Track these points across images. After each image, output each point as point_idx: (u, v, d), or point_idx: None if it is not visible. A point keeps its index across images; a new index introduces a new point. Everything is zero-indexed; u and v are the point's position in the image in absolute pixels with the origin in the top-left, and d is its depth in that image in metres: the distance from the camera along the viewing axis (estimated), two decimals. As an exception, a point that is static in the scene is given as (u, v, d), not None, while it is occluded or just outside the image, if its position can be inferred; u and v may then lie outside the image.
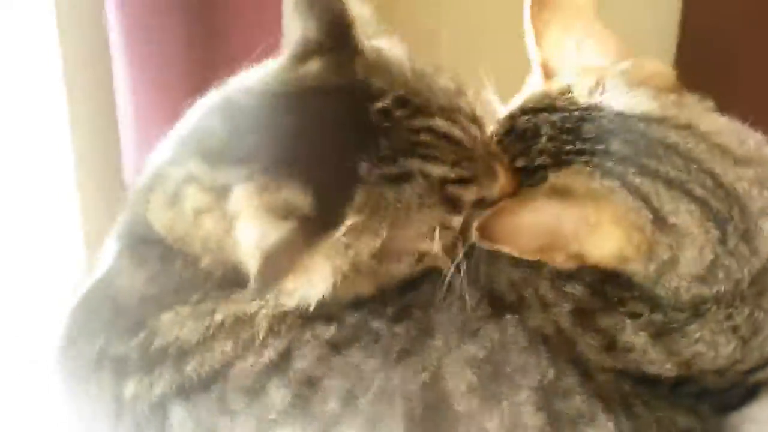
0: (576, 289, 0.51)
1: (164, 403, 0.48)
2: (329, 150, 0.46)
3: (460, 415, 0.47)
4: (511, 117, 0.54)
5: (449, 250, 0.48)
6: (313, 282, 0.44)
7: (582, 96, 0.51)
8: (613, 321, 0.51)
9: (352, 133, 0.46)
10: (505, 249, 0.47)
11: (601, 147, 0.48)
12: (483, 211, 0.47)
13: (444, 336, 0.49)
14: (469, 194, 0.48)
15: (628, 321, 0.51)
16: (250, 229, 0.43)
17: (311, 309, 0.46)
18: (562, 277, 0.51)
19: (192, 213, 0.47)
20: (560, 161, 0.49)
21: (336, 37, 0.48)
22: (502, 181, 0.50)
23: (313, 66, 0.48)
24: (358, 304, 0.50)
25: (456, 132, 0.47)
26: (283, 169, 0.44)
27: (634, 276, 0.50)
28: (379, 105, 0.46)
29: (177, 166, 0.49)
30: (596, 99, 0.50)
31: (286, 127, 0.46)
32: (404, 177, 0.45)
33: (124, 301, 0.51)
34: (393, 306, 0.50)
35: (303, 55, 0.48)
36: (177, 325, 0.48)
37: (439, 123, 0.47)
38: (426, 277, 0.51)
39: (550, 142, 0.50)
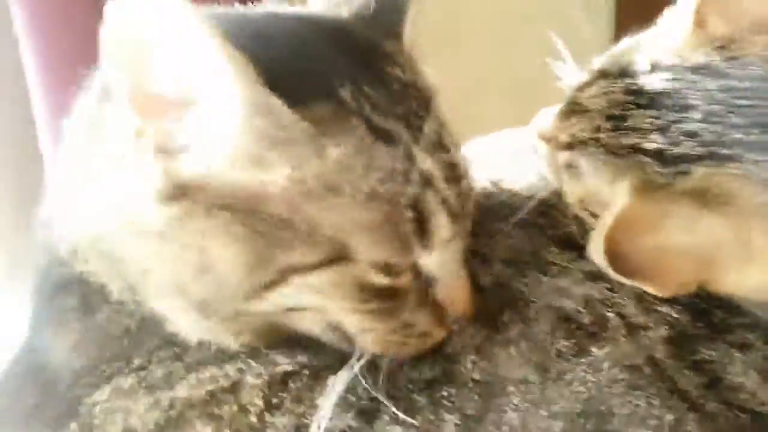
0: (673, 311, 0.40)
1: None
2: (304, 58, 0.35)
3: None
4: (627, 73, 0.38)
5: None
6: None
7: (756, 58, 0.36)
8: (717, 353, 0.41)
9: (343, 57, 0.37)
10: (647, 287, 0.33)
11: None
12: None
13: (519, 387, 0.37)
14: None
15: (736, 354, 0.40)
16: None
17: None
18: (653, 295, 0.40)
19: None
20: (718, 154, 0.34)
21: None
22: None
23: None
24: None
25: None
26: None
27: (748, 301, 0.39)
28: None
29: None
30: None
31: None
32: (388, 136, 0.35)
33: (51, 379, 0.38)
34: None
35: None
36: (119, 408, 0.36)
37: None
38: None
39: (705, 123, 0.35)
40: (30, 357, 0.40)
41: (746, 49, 0.36)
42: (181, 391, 0.36)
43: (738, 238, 0.34)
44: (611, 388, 0.38)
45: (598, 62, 0.42)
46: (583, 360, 0.38)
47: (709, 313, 0.41)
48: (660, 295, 0.36)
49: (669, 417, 0.37)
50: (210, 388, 0.36)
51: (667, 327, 0.41)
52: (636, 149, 0.37)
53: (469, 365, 0.38)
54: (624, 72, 0.39)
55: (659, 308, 0.41)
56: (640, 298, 0.41)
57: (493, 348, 0.38)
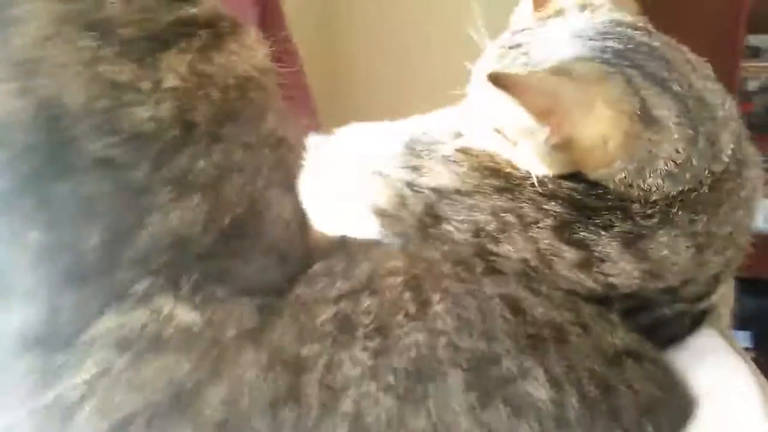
0: (556, 206, 0.54)
1: None
2: None
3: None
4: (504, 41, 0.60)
5: None
6: None
7: (575, 11, 0.58)
8: (588, 233, 0.54)
9: None
10: (513, 100, 0.49)
11: (599, 43, 0.53)
12: None
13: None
14: None
15: (602, 232, 0.53)
16: None
17: None
18: (542, 196, 0.55)
19: None
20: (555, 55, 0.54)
21: None
22: None
23: None
24: None
25: None
26: None
27: (611, 181, 0.53)
28: None
29: None
30: (588, 13, 0.57)
31: None
32: None
33: None
34: None
35: None
36: None
37: None
38: None
39: (550, 46, 0.55)
40: None
41: (570, 10, 0.58)
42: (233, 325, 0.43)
43: (579, 95, 0.50)
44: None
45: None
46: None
47: (581, 203, 0.54)
48: (524, 110, 0.50)
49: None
50: (257, 318, 0.44)
51: (552, 218, 0.54)
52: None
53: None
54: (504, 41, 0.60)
55: (546, 206, 0.54)
56: (534, 200, 0.54)
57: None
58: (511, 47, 0.58)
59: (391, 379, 0.43)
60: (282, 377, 0.42)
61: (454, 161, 0.59)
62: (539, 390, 0.44)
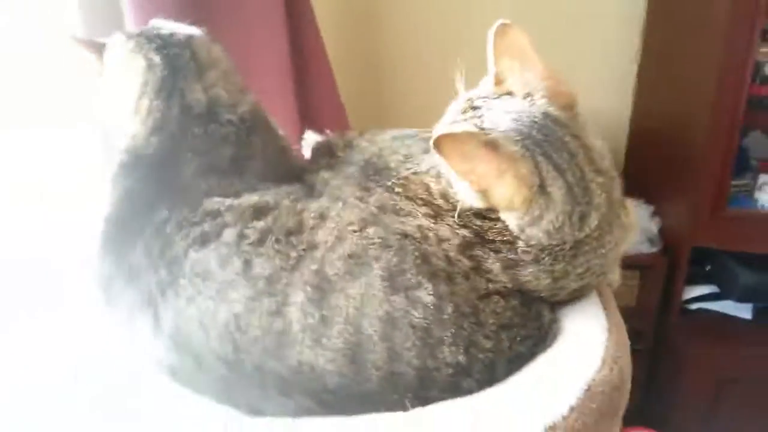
0: (465, 231, 0.77)
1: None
2: None
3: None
4: (472, 99, 0.80)
5: None
6: None
7: (518, 95, 0.77)
8: (482, 252, 0.75)
9: None
10: (447, 160, 0.71)
11: (527, 130, 0.74)
12: None
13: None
14: None
15: (492, 254, 0.75)
16: None
17: None
18: (457, 225, 0.78)
19: None
20: (497, 127, 0.74)
21: None
22: None
23: None
24: None
25: None
26: None
27: (510, 223, 0.76)
28: None
29: None
30: (528, 101, 0.76)
31: None
32: None
33: None
34: None
35: None
36: None
37: None
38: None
39: (496, 118, 0.75)
40: None
41: (516, 93, 0.78)
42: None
43: (496, 165, 0.71)
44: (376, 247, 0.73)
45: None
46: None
47: (483, 234, 0.75)
48: (454, 169, 0.72)
49: (394, 260, 0.71)
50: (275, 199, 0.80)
51: (459, 239, 0.75)
52: None
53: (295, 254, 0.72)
54: (469, 97, 0.80)
55: (457, 231, 0.76)
56: (450, 227, 0.75)
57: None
58: (472, 108, 0.78)
59: (342, 254, 0.71)
60: (292, 219, 0.76)
61: (395, 192, 0.81)
62: (427, 297, 0.69)
